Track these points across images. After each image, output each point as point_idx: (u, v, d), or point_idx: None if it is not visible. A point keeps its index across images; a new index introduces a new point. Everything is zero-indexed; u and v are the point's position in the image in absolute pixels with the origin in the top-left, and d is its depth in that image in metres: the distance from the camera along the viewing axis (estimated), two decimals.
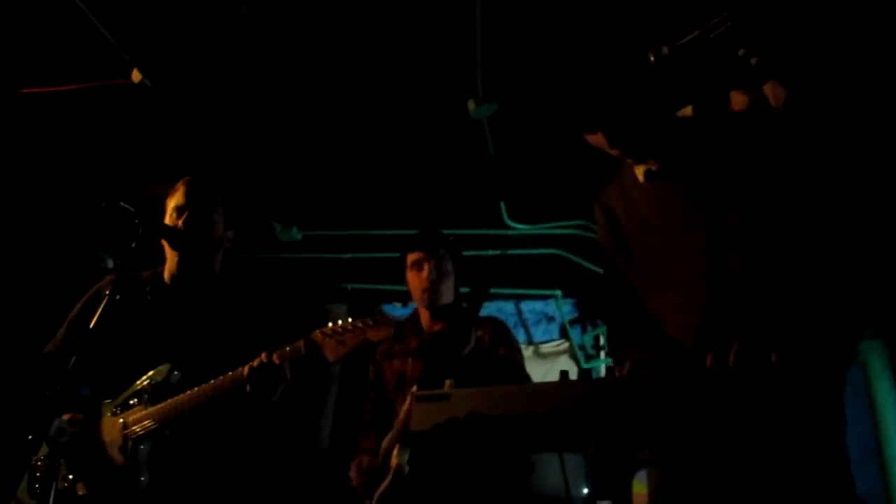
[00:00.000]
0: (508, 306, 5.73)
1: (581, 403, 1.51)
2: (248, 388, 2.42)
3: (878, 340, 4.77)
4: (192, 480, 2.56)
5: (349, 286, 5.69)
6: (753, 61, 1.76)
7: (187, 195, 2.80)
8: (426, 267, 3.21)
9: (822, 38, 3.06)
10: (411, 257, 3.28)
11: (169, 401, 2.51)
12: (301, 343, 2.43)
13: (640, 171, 2.12)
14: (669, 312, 1.98)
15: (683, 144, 2.06)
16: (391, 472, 2.14)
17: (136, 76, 3.65)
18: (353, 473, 3.03)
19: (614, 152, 2.02)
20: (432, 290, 3.19)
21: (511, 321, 5.55)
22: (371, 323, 2.39)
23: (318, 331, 2.43)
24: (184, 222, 2.75)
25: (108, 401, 2.64)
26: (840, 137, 2.03)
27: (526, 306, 5.77)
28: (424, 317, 3.29)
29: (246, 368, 2.43)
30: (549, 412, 1.51)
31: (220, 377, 2.48)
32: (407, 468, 1.65)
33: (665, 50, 1.85)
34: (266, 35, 3.59)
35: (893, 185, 2.16)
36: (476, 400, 1.59)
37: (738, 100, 3.32)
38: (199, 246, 2.79)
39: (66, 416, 2.51)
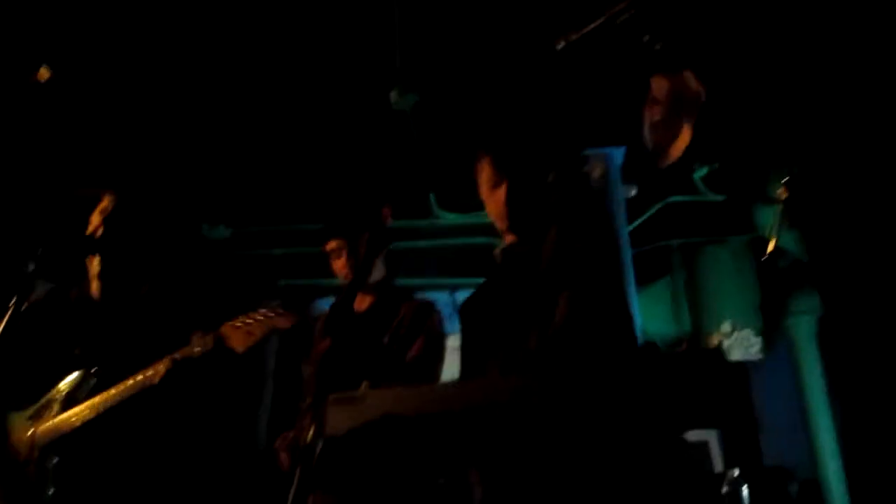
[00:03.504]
0: (443, 297, 5.70)
1: (498, 401, 1.49)
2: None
3: (807, 316, 4.89)
4: (103, 490, 2.49)
5: (281, 282, 5.61)
6: (657, 47, 1.77)
7: (113, 202, 2.75)
8: (343, 254, 3.14)
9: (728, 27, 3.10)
10: (328, 247, 3.19)
11: (76, 408, 2.45)
12: (210, 338, 2.42)
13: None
14: None
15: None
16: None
17: (43, 73, 3.52)
18: (282, 456, 2.99)
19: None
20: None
21: (446, 311, 5.51)
22: (279, 311, 2.42)
23: (226, 324, 2.42)
24: (104, 229, 2.69)
25: (20, 412, 2.56)
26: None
27: (461, 296, 5.75)
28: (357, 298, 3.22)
29: (158, 373, 2.40)
30: (464, 411, 1.48)
31: (129, 379, 2.43)
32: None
33: (573, 37, 1.85)
34: (178, 26, 3.51)
35: None
36: (391, 401, 1.56)
37: (658, 84, 3.35)
38: (121, 253, 2.73)
39: None
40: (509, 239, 2.33)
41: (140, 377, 2.43)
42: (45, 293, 2.56)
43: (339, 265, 3.15)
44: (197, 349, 2.43)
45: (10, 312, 2.34)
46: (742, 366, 1.45)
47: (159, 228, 2.91)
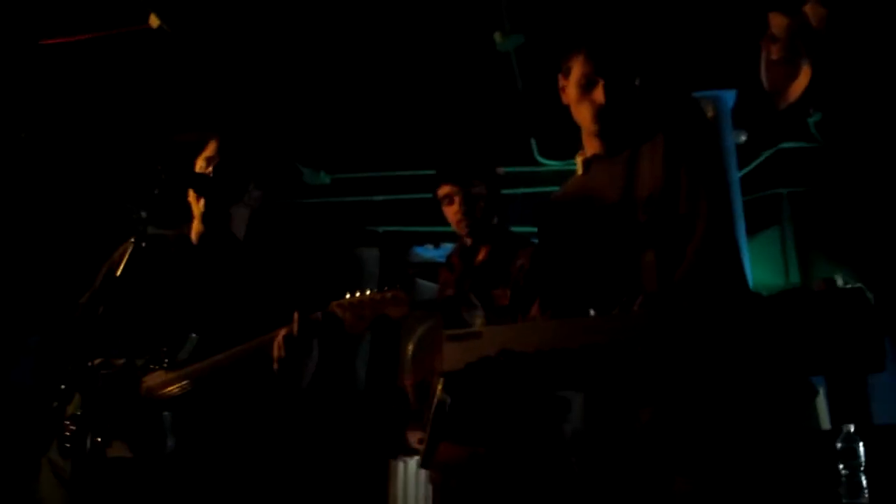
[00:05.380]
0: None
1: (618, 338, 1.45)
2: (275, 363, 2.41)
3: None
4: (219, 445, 2.55)
5: (380, 229, 5.65)
6: None
7: (218, 148, 2.75)
8: (456, 200, 3.11)
9: None
10: (440, 192, 3.16)
11: (188, 368, 2.49)
12: (319, 314, 2.40)
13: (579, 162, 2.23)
14: None
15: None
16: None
17: (153, 21, 3.58)
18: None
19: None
20: (466, 221, 3.11)
21: None
22: (389, 297, 2.36)
23: (335, 304, 2.39)
24: (213, 168, 2.70)
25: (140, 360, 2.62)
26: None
27: None
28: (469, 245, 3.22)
29: (276, 340, 2.41)
30: (583, 348, 1.45)
31: (244, 345, 2.46)
32: (448, 399, 1.61)
33: None
34: None
35: None
36: (508, 336, 1.54)
37: (777, 21, 3.19)
38: (227, 195, 2.74)
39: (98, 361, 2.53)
40: (594, 147, 2.20)
41: (255, 344, 2.45)
42: (145, 233, 2.59)
43: (452, 211, 3.13)
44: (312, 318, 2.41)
45: (127, 256, 2.39)
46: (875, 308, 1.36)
47: (263, 173, 2.92)
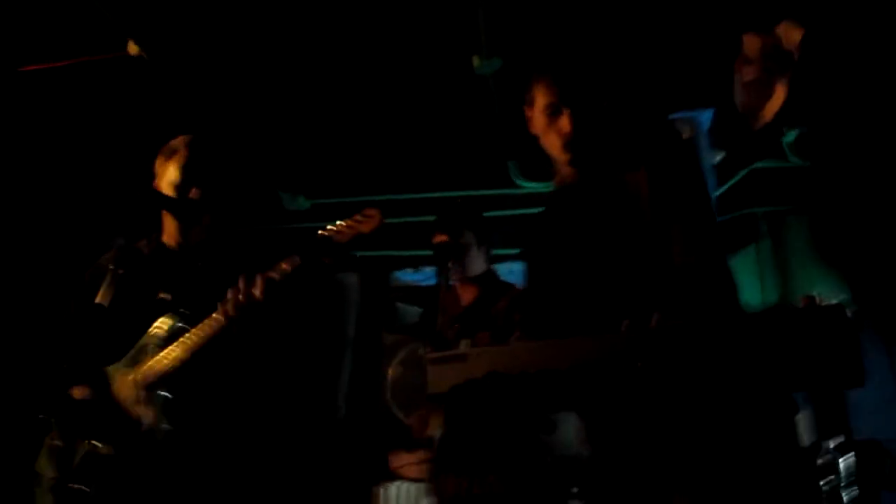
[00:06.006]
0: (517, 266, 5.66)
1: (604, 359, 1.46)
2: (226, 322, 2.40)
3: None
4: (207, 433, 2.57)
5: (359, 253, 5.63)
6: None
7: (188, 159, 2.73)
8: (447, 245, 3.31)
9: None
10: (434, 240, 3.37)
11: (170, 347, 2.50)
12: (297, 257, 2.43)
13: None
14: None
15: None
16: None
17: (132, 48, 3.58)
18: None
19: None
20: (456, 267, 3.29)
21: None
22: (360, 218, 2.47)
23: (316, 233, 2.47)
24: (185, 191, 2.69)
25: (115, 364, 2.62)
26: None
27: None
28: (460, 290, 3.39)
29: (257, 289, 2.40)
30: (571, 368, 1.45)
31: (212, 315, 2.45)
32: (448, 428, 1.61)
33: None
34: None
35: None
36: (494, 358, 1.54)
37: (751, 42, 3.24)
38: (201, 213, 2.74)
39: (76, 392, 2.50)
40: (567, 173, 2.19)
41: (233, 300, 2.42)
42: (118, 249, 2.59)
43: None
44: (285, 266, 2.43)
45: (107, 280, 2.39)
46: (854, 324, 1.38)
47: (236, 185, 2.92)
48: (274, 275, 2.40)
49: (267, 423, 2.78)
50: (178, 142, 2.77)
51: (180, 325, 2.57)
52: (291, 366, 2.63)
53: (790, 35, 2.96)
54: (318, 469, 4.94)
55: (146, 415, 2.48)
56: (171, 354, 2.49)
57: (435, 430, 2.05)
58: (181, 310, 2.59)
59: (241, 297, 2.36)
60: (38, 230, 4.65)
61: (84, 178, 4.58)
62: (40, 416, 2.46)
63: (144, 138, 4.36)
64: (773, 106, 3.18)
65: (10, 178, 4.45)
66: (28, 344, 2.96)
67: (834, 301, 1.41)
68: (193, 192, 2.68)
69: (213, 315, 2.43)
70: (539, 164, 4.78)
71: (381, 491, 3.75)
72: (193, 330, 2.47)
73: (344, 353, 5.36)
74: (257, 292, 2.35)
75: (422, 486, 3.67)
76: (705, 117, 4.20)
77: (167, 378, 2.50)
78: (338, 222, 2.48)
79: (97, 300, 2.49)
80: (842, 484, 2.10)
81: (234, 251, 2.84)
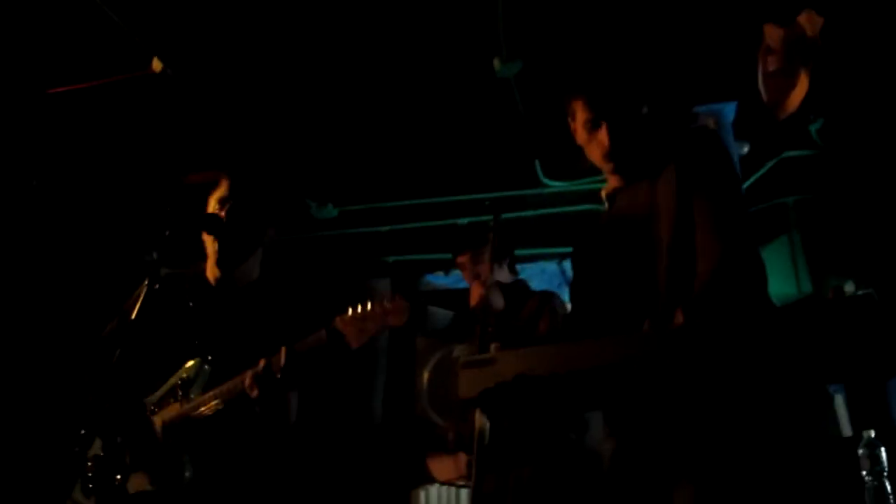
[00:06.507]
0: (551, 266, 5.65)
1: (630, 358, 1.46)
2: (252, 394, 2.44)
3: None
4: (234, 474, 2.57)
5: (390, 258, 5.66)
6: None
7: (230, 188, 2.78)
8: (468, 268, 3.43)
9: None
10: (458, 260, 3.50)
11: (198, 399, 2.54)
12: (323, 332, 2.44)
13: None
14: None
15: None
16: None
17: (156, 65, 3.63)
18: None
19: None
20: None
21: (555, 281, 5.49)
22: (391, 306, 2.41)
23: (338, 318, 2.45)
24: (226, 212, 2.72)
25: (147, 398, 2.66)
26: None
27: (569, 265, 5.68)
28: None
29: (248, 376, 2.45)
30: (595, 369, 1.46)
31: (238, 377, 2.49)
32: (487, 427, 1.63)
33: None
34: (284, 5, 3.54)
35: None
36: (522, 361, 1.55)
37: (772, 33, 3.21)
38: (241, 237, 2.75)
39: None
40: (615, 182, 2.25)
41: (259, 367, 2.47)
42: (164, 279, 2.61)
43: (467, 277, 3.47)
44: (311, 341, 2.46)
45: (141, 298, 2.41)
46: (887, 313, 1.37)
47: (272, 210, 2.94)
48: (298, 348, 2.45)
49: (306, 431, 2.79)
50: (222, 177, 2.82)
51: (206, 371, 2.60)
52: (326, 375, 2.64)
53: (811, 24, 2.94)
54: (357, 475, 4.97)
55: (166, 458, 2.52)
56: (206, 403, 2.53)
57: (472, 432, 2.07)
58: (209, 357, 2.62)
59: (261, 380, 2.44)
60: (75, 253, 4.73)
61: (115, 194, 4.65)
62: (76, 450, 2.50)
63: (173, 152, 4.48)
64: (798, 95, 3.15)
65: (42, 204, 4.53)
66: (66, 373, 3.00)
67: (862, 292, 1.40)
68: (234, 216, 2.71)
69: (243, 380, 2.49)
70: (564, 163, 4.79)
71: (421, 493, 3.77)
72: (230, 382, 2.51)
73: (377, 358, 5.39)
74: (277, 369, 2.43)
75: (459, 489, 3.69)
76: (729, 110, 4.17)
77: (194, 425, 2.54)
78: (369, 305, 2.42)
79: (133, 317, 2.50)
80: (885, 474, 2.07)
81: (269, 288, 2.86)
